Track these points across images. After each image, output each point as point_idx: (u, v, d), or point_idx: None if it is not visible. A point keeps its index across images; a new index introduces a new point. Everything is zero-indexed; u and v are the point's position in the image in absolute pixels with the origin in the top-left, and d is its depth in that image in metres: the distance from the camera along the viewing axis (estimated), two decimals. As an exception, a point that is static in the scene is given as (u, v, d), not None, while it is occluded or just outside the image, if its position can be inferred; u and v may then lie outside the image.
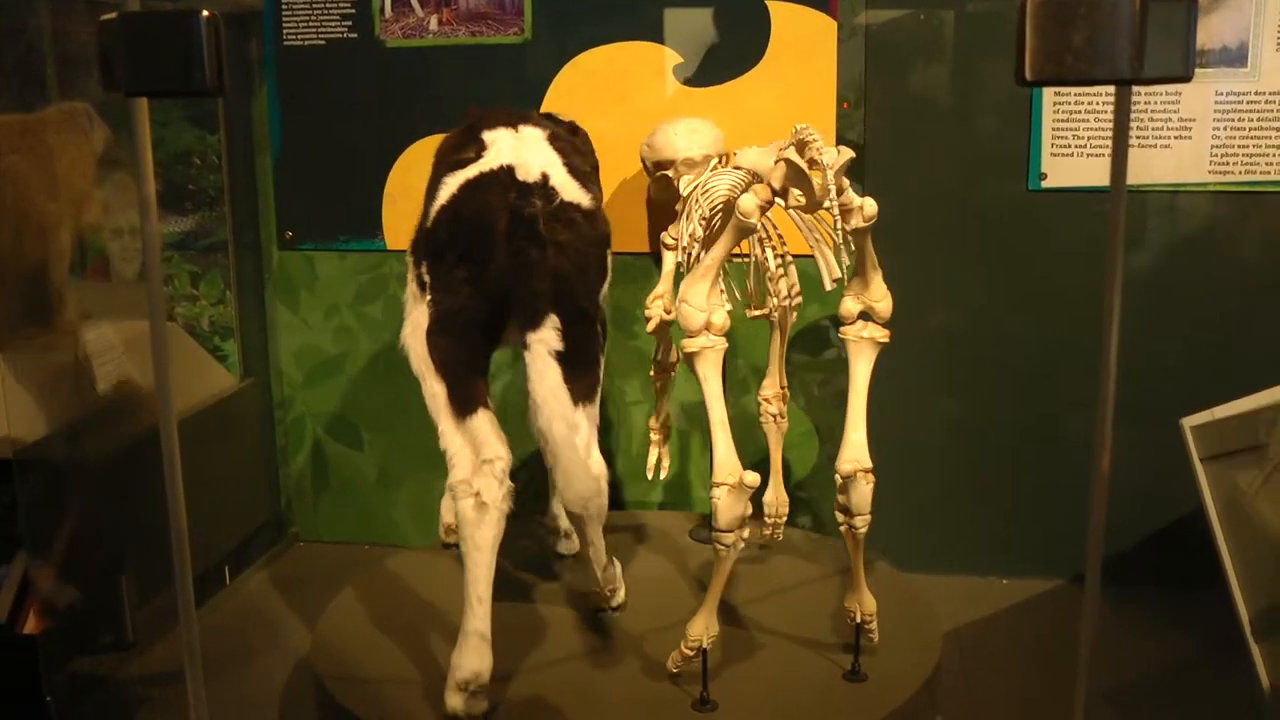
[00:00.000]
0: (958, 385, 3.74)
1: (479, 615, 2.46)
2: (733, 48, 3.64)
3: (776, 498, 3.26)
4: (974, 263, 3.64)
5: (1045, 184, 3.54)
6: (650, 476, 3.38)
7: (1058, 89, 3.49)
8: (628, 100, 3.65)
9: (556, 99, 3.70)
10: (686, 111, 3.53)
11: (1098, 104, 3.48)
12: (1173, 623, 3.43)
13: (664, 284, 3.04)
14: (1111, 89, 1.39)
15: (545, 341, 2.39)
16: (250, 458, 4.05)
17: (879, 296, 2.57)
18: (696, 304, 2.40)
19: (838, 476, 2.53)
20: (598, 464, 2.55)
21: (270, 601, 3.74)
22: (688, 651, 2.50)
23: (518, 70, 3.76)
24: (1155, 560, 3.62)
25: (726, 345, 2.44)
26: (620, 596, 2.98)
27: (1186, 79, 1.29)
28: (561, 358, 2.45)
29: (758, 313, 3.06)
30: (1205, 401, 2.90)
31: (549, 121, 3.00)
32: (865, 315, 2.58)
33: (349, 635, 2.91)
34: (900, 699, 2.57)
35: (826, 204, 2.25)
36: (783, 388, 3.22)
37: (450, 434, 2.51)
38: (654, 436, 3.38)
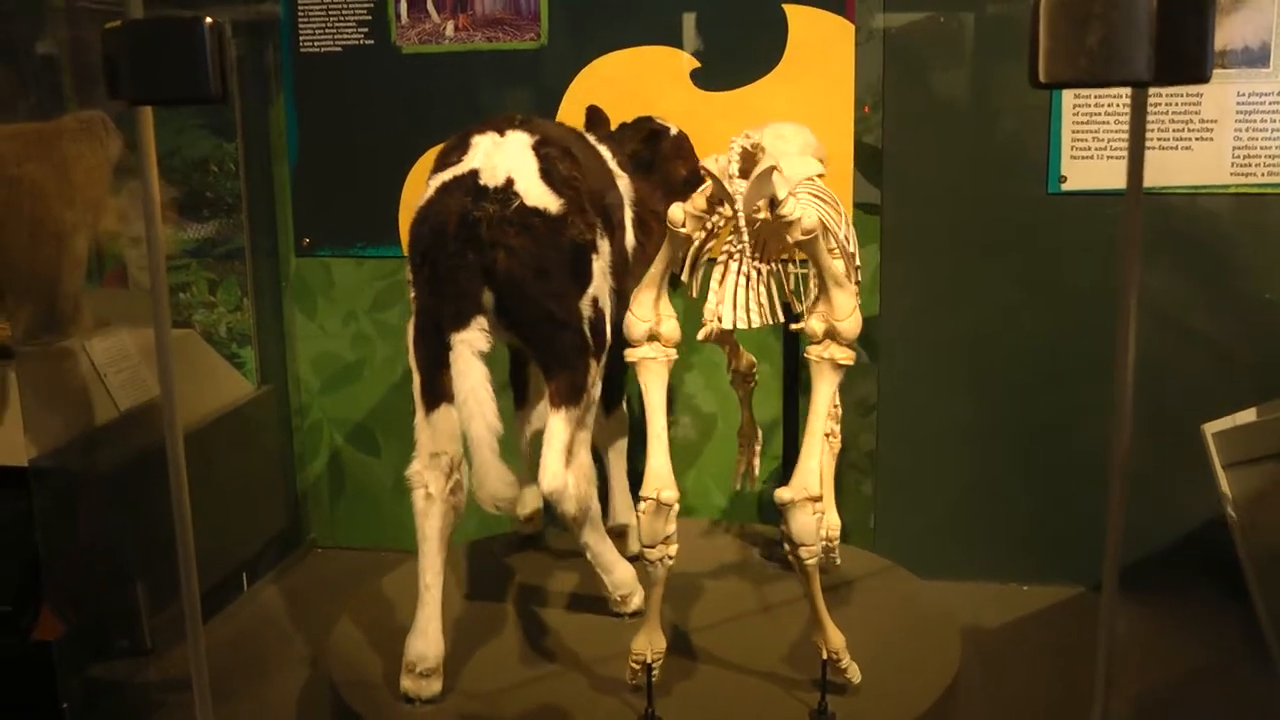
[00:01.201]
0: (977, 389, 3.71)
1: (427, 601, 2.59)
2: (750, 51, 3.62)
3: (827, 520, 3.05)
4: (994, 266, 3.61)
5: (1065, 187, 3.52)
6: (736, 485, 3.32)
7: (1078, 90, 3.46)
8: (645, 104, 3.63)
9: (573, 104, 3.69)
10: (702, 116, 3.52)
11: (1118, 106, 3.46)
12: (1193, 629, 3.40)
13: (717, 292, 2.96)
14: (1130, 91, 1.36)
15: (469, 342, 2.47)
16: (267, 464, 4.05)
17: (842, 315, 2.36)
18: (640, 314, 2.38)
19: (778, 503, 2.37)
20: (584, 467, 2.61)
21: (287, 608, 3.74)
22: (634, 666, 2.45)
23: (534, 75, 3.75)
24: (1176, 567, 3.58)
25: (675, 356, 2.41)
26: (635, 603, 2.96)
27: (1204, 80, 1.27)
28: (544, 365, 2.60)
29: (798, 326, 2.98)
30: (1227, 407, 2.87)
31: (576, 128, 3.00)
32: (831, 334, 2.39)
33: (365, 641, 2.90)
34: (918, 710, 2.55)
35: (757, 214, 2.20)
36: (835, 405, 3.07)
37: (420, 426, 2.61)
38: (741, 446, 3.31)
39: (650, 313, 2.38)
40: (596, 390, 2.70)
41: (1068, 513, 3.65)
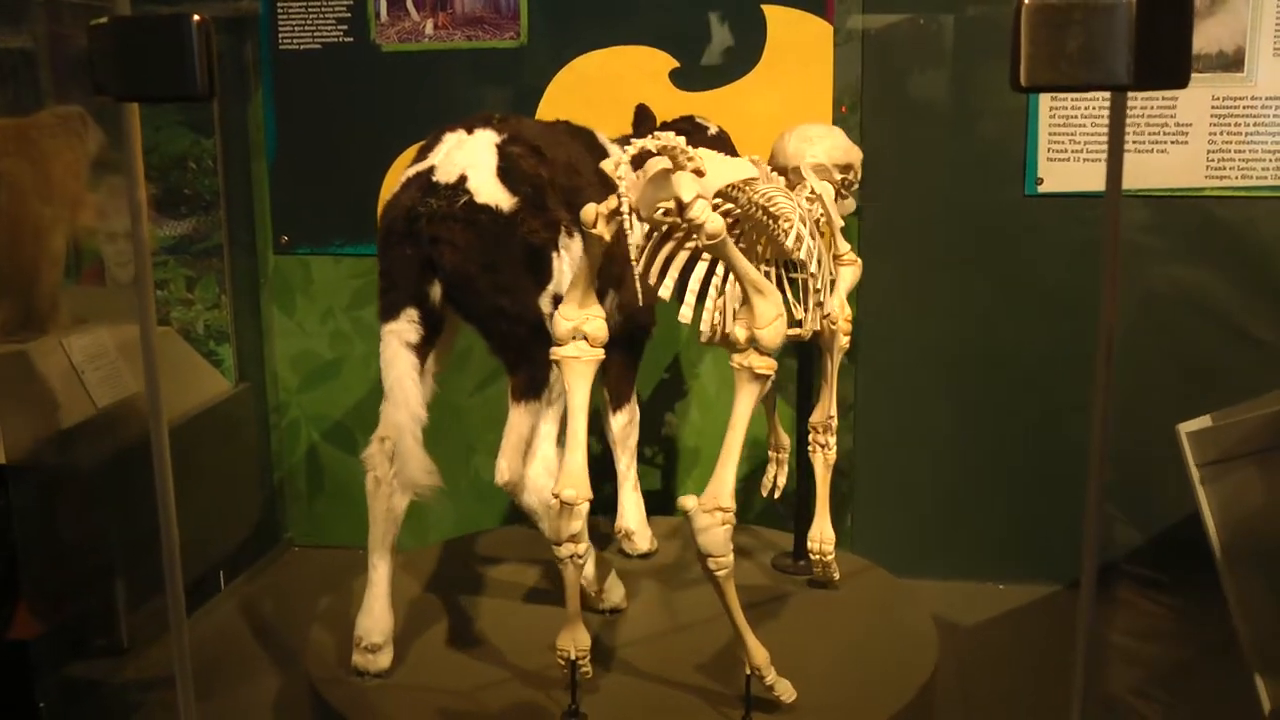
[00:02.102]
0: (953, 390, 3.73)
1: (373, 580, 2.70)
2: (729, 52, 3.63)
3: (821, 533, 3.01)
4: (970, 267, 3.63)
5: (1042, 189, 3.54)
6: (764, 493, 3.19)
7: (1054, 93, 3.49)
8: (623, 104, 3.63)
9: (552, 103, 3.70)
10: (680, 114, 3.52)
11: (1094, 109, 3.48)
12: (1168, 628, 3.43)
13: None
14: (1109, 93, 1.38)
15: (397, 333, 2.56)
16: (245, 462, 4.04)
17: (762, 323, 2.27)
18: (565, 313, 2.36)
19: (680, 510, 2.33)
20: (545, 461, 2.64)
21: (265, 606, 3.73)
22: (560, 662, 2.44)
23: (514, 74, 3.75)
24: (1151, 566, 3.61)
25: (601, 356, 2.37)
26: (612, 600, 2.96)
27: (1183, 86, 1.29)
28: (503, 360, 2.65)
29: (790, 332, 2.76)
30: (1202, 407, 2.90)
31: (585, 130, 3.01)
32: (752, 342, 2.30)
33: (343, 639, 2.89)
34: (895, 708, 2.56)
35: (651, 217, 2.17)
36: (830, 416, 3.00)
37: (381, 412, 2.68)
38: (770, 454, 3.21)
39: (575, 312, 2.35)
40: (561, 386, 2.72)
41: (1044, 512, 3.67)
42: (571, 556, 2.34)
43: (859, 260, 2.98)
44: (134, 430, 3.31)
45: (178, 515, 1.56)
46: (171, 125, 3.77)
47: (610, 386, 3.22)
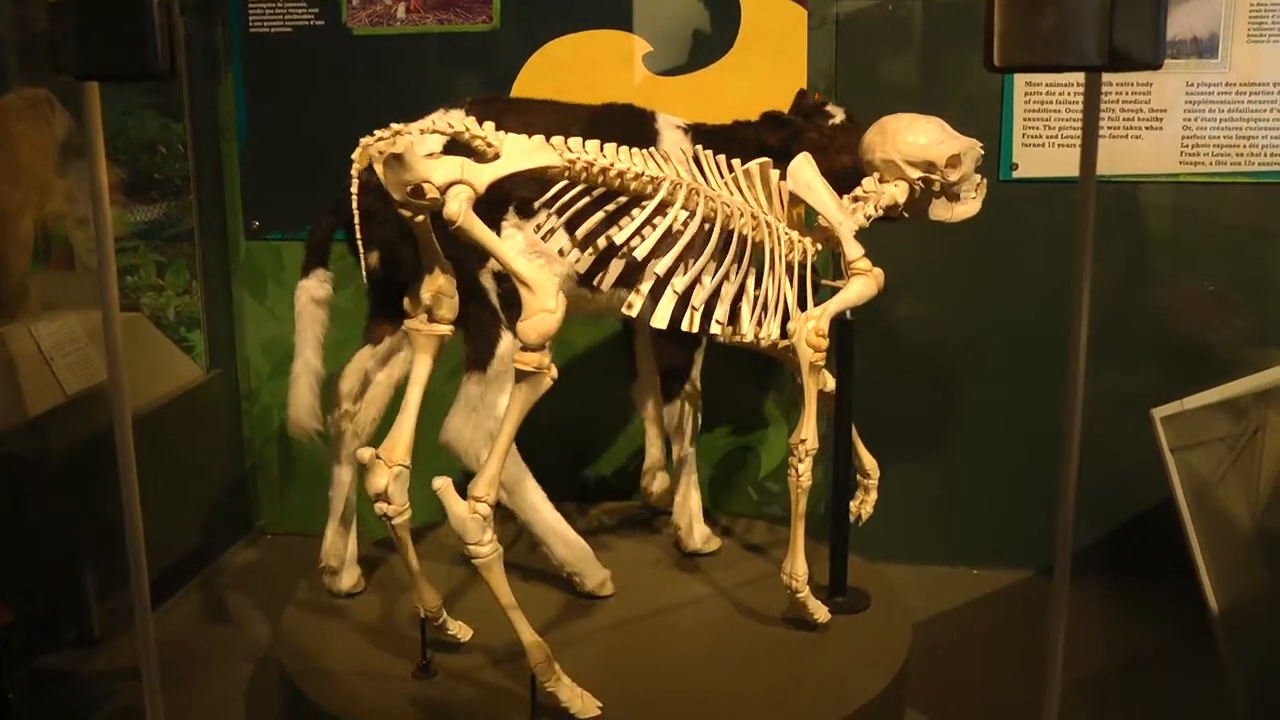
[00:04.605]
0: (928, 375, 3.73)
1: (330, 512, 3.06)
2: (702, 36, 3.62)
3: (792, 567, 2.72)
4: (945, 253, 3.63)
5: (1017, 174, 3.54)
6: (851, 519, 3.05)
7: (1029, 78, 3.48)
8: (596, 89, 3.61)
9: (525, 88, 3.68)
10: (655, 100, 3.48)
11: (1069, 94, 3.48)
12: (1142, 612, 3.44)
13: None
14: (1083, 78, 1.37)
15: (306, 289, 2.86)
16: (216, 450, 4.02)
17: (524, 315, 2.19)
18: (411, 289, 2.39)
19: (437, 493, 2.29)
20: (486, 430, 2.74)
21: (236, 594, 3.71)
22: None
23: (486, 58, 3.72)
24: (1125, 550, 3.62)
25: (446, 332, 2.38)
26: (589, 584, 2.95)
27: (1156, 67, 1.28)
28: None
29: (732, 338, 2.64)
30: (1175, 392, 2.90)
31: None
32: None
33: (314, 628, 2.89)
34: (869, 694, 2.56)
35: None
36: (801, 440, 2.68)
37: None
38: (858, 479, 3.11)
39: (425, 289, 2.35)
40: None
41: (1018, 496, 3.67)
42: (382, 516, 2.42)
43: (876, 270, 2.74)
44: (104, 417, 3.24)
45: (148, 503, 1.54)
46: (140, 109, 3.73)
47: (661, 377, 3.24)
